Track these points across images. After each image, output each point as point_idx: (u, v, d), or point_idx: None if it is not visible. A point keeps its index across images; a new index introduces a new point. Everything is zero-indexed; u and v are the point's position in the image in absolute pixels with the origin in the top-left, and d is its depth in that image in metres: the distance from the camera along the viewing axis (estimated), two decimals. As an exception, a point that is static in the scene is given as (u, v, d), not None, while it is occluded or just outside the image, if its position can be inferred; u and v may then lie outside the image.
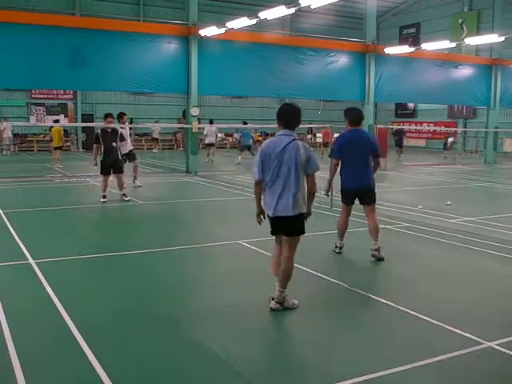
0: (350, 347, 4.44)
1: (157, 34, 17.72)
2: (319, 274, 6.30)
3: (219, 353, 4.19)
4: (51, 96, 30.67)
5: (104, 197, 11.57)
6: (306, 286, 6.03)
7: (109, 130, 11.76)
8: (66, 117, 30.97)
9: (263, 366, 4.03)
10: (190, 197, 13.49)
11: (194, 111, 18.37)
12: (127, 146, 12.90)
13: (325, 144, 27.32)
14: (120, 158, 11.85)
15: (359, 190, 7.06)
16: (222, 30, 17.52)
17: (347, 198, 7.19)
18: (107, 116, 12.11)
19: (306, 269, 6.52)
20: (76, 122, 30.57)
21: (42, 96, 30.42)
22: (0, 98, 28.91)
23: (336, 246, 7.33)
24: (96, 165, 11.90)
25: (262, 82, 19.37)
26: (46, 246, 7.74)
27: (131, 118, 30.49)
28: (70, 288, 5.76)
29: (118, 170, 11.75)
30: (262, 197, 5.15)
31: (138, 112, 31.88)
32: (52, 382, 3.79)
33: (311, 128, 34.66)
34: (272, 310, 5.07)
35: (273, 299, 5.11)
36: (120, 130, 12.10)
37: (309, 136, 36.36)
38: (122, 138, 12.15)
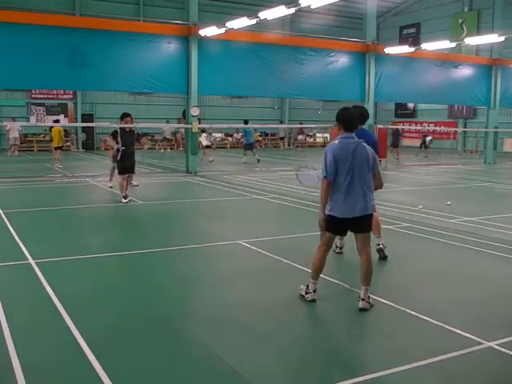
0: (350, 347, 4.44)
1: (157, 34, 17.72)
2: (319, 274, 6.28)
3: (219, 353, 4.19)
4: (51, 96, 30.66)
5: (126, 197, 11.54)
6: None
7: (127, 130, 11.79)
8: (65, 117, 30.96)
9: (263, 367, 4.03)
10: (190, 197, 13.49)
11: (194, 111, 18.37)
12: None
13: None
14: (134, 158, 11.88)
15: None
16: (222, 30, 17.52)
17: None
18: (125, 116, 12.12)
19: (306, 269, 6.52)
20: (76, 122, 30.57)
21: (42, 96, 30.41)
22: (0, 98, 28.90)
23: (336, 246, 7.33)
24: (117, 153, 11.68)
25: (262, 82, 19.38)
26: (46, 246, 7.74)
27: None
28: (70, 288, 5.76)
29: (133, 171, 11.90)
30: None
31: (138, 112, 31.86)
32: (52, 382, 3.79)
33: (302, 128, 34.55)
34: (362, 309, 5.16)
35: (363, 300, 5.18)
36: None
37: (300, 136, 36.23)
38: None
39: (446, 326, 4.75)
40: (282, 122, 35.20)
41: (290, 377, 3.90)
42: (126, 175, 11.74)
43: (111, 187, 13.58)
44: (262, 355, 4.21)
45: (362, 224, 5.21)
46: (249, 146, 23.17)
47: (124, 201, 11.49)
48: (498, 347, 4.34)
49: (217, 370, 3.96)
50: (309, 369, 3.99)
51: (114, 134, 11.80)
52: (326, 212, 5.16)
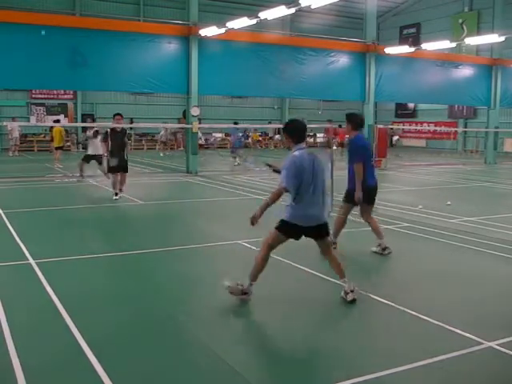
0: (350, 347, 4.44)
1: (157, 34, 17.72)
2: (320, 274, 6.29)
3: (219, 353, 4.19)
4: (51, 96, 30.67)
5: (116, 194, 11.80)
6: (305, 285, 6.03)
7: (118, 130, 11.89)
8: (66, 117, 30.98)
9: (263, 367, 4.03)
10: (190, 197, 13.49)
11: (195, 111, 18.37)
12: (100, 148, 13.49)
13: (340, 144, 27.48)
14: (125, 157, 11.95)
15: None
16: (223, 30, 17.53)
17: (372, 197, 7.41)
18: (116, 115, 12.26)
19: (306, 269, 6.53)
20: (76, 121, 30.57)
21: (42, 96, 30.42)
22: (0, 98, 28.91)
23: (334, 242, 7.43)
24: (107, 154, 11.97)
25: (263, 82, 19.38)
26: (46, 246, 7.74)
27: (131, 118, 30.59)
28: (71, 288, 5.76)
29: (123, 170, 11.94)
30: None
31: (139, 112, 31.89)
32: (52, 382, 3.79)
33: (278, 129, 34.28)
34: (353, 301, 5.29)
35: (352, 291, 5.32)
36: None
37: (277, 136, 35.88)
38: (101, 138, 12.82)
39: (446, 326, 4.74)
40: (270, 123, 34.99)
41: (290, 376, 3.90)
42: (117, 174, 11.89)
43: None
44: (262, 355, 4.21)
45: (322, 230, 5.37)
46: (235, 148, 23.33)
47: (114, 198, 11.72)
48: (498, 347, 4.33)
49: (217, 369, 3.96)
50: (309, 369, 3.99)
51: (105, 138, 11.99)
52: (289, 220, 5.22)
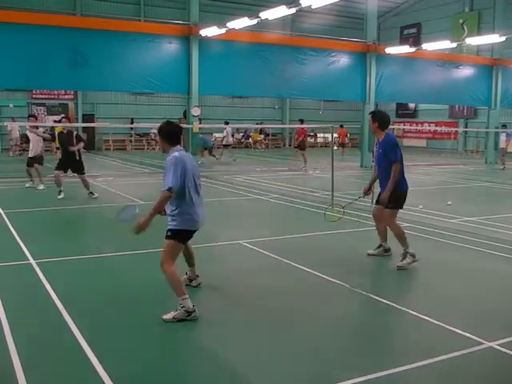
0: (351, 347, 4.44)
1: (157, 34, 17.74)
2: (320, 275, 6.29)
3: (220, 353, 4.19)
4: (52, 96, 30.67)
5: (60, 192, 12.04)
6: (306, 286, 6.03)
7: (64, 132, 12.33)
8: (66, 117, 30.92)
9: (263, 367, 4.03)
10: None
11: (195, 111, 18.38)
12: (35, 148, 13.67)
13: (342, 144, 27.48)
14: (78, 158, 12.12)
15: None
16: (223, 30, 17.54)
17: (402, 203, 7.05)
18: (63, 117, 13.01)
19: (306, 269, 6.52)
20: (77, 122, 30.56)
21: (43, 96, 30.41)
22: (0, 98, 28.91)
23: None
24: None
25: (263, 82, 19.39)
26: (46, 246, 7.74)
27: (132, 118, 30.59)
28: (71, 288, 5.76)
29: (77, 171, 12.20)
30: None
31: (139, 112, 31.89)
32: (53, 382, 3.79)
33: (262, 128, 34.10)
34: None
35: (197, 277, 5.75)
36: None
37: (262, 135, 35.33)
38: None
39: (446, 326, 4.74)
40: (262, 123, 34.88)
41: (291, 376, 3.90)
42: (61, 172, 12.15)
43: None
44: (263, 355, 4.21)
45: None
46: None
47: (59, 196, 11.92)
48: (498, 347, 4.33)
49: (217, 369, 3.96)
50: (309, 368, 3.99)
51: (53, 139, 12.97)
52: (177, 227, 5.06)
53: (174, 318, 4.84)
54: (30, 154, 13.76)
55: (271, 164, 22.49)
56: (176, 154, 5.00)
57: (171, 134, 5.14)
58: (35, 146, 13.67)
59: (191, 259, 5.83)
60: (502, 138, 22.26)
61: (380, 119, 6.87)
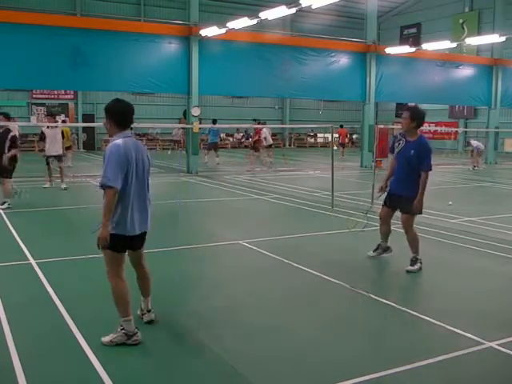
0: (351, 347, 4.44)
1: (157, 34, 17.74)
2: (320, 275, 6.30)
3: (220, 353, 4.19)
4: (52, 96, 30.68)
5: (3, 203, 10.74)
6: (306, 286, 6.03)
7: (0, 130, 11.07)
8: (66, 117, 30.98)
9: (264, 367, 4.03)
10: (190, 197, 13.47)
11: (195, 111, 18.38)
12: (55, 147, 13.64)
13: (342, 144, 27.40)
14: (5, 161, 10.91)
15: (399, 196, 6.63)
16: (223, 30, 17.54)
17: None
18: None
19: (306, 269, 6.52)
20: (77, 122, 30.58)
21: (43, 96, 30.43)
22: (1, 98, 28.91)
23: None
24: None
25: (263, 82, 19.40)
26: (46, 246, 7.74)
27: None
28: (71, 288, 5.76)
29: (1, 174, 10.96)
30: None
31: (139, 112, 31.86)
32: (53, 382, 3.79)
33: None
34: None
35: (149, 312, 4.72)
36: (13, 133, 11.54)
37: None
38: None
39: (447, 326, 4.74)
40: (264, 123, 34.69)
41: (291, 376, 3.90)
42: None
43: (66, 189, 13.59)
44: (263, 355, 4.21)
45: (143, 239, 4.51)
46: (212, 146, 22.48)
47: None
48: (498, 347, 4.33)
49: (218, 370, 3.96)
50: (309, 369, 3.99)
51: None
52: (111, 231, 4.16)
53: (111, 341, 4.21)
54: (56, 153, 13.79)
55: (271, 164, 22.46)
56: (119, 141, 4.13)
57: (121, 113, 4.25)
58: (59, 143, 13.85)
59: (146, 289, 4.77)
60: (473, 143, 21.91)
61: (419, 119, 6.33)
